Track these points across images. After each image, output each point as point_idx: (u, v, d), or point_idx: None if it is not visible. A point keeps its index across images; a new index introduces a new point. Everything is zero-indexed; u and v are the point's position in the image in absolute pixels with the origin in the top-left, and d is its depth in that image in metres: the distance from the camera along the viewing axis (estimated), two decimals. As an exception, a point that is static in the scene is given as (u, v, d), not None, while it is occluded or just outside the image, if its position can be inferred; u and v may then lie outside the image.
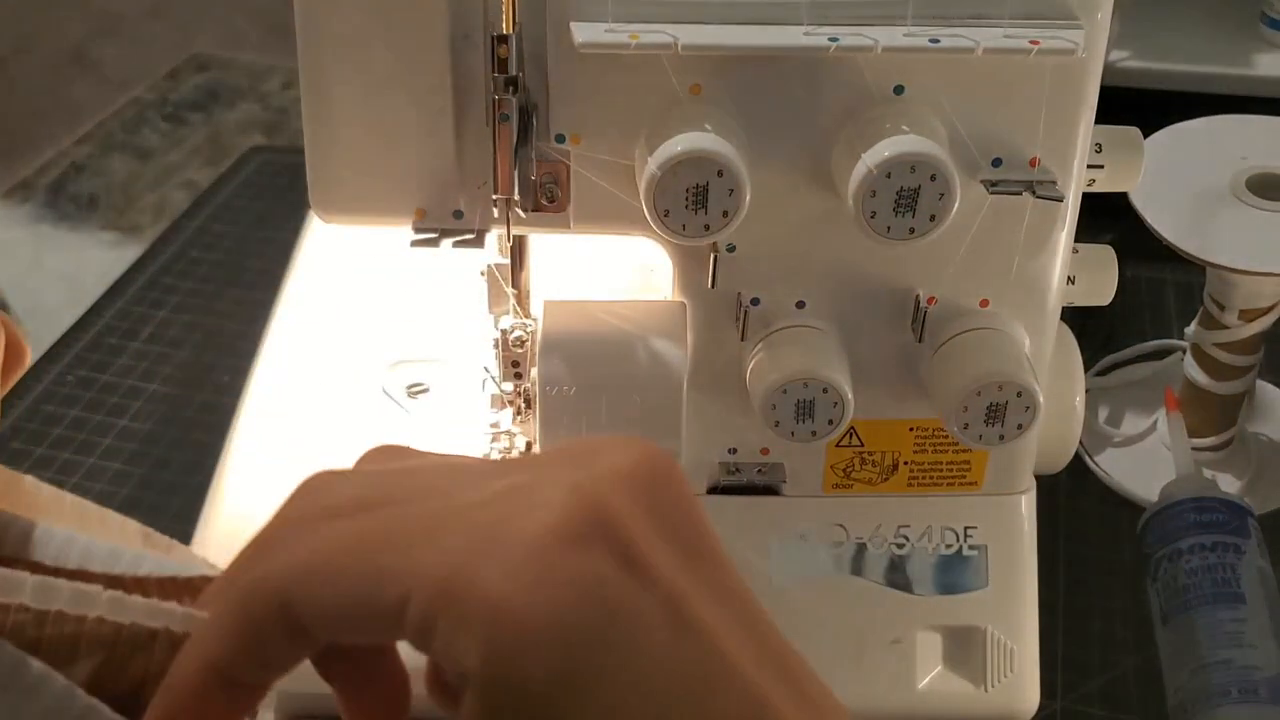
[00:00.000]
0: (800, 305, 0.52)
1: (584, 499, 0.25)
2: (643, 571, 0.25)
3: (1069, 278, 0.53)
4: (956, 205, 0.45)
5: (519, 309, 0.54)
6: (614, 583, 0.24)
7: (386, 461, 0.30)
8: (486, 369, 0.58)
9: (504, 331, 0.54)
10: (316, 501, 0.28)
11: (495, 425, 0.57)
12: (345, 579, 0.26)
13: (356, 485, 0.28)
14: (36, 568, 0.31)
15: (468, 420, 0.58)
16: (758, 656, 0.27)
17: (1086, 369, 0.59)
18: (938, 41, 0.44)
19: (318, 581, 0.26)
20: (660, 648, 0.25)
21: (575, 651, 0.24)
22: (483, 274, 0.55)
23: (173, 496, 0.73)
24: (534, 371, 0.52)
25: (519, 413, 0.56)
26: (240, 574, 0.28)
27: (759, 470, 0.56)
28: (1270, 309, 0.68)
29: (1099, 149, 0.52)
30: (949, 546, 0.57)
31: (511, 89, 0.45)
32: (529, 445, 0.55)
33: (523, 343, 0.53)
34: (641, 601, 0.25)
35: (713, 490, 0.57)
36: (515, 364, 0.54)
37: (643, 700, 0.24)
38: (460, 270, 0.58)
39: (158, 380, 0.83)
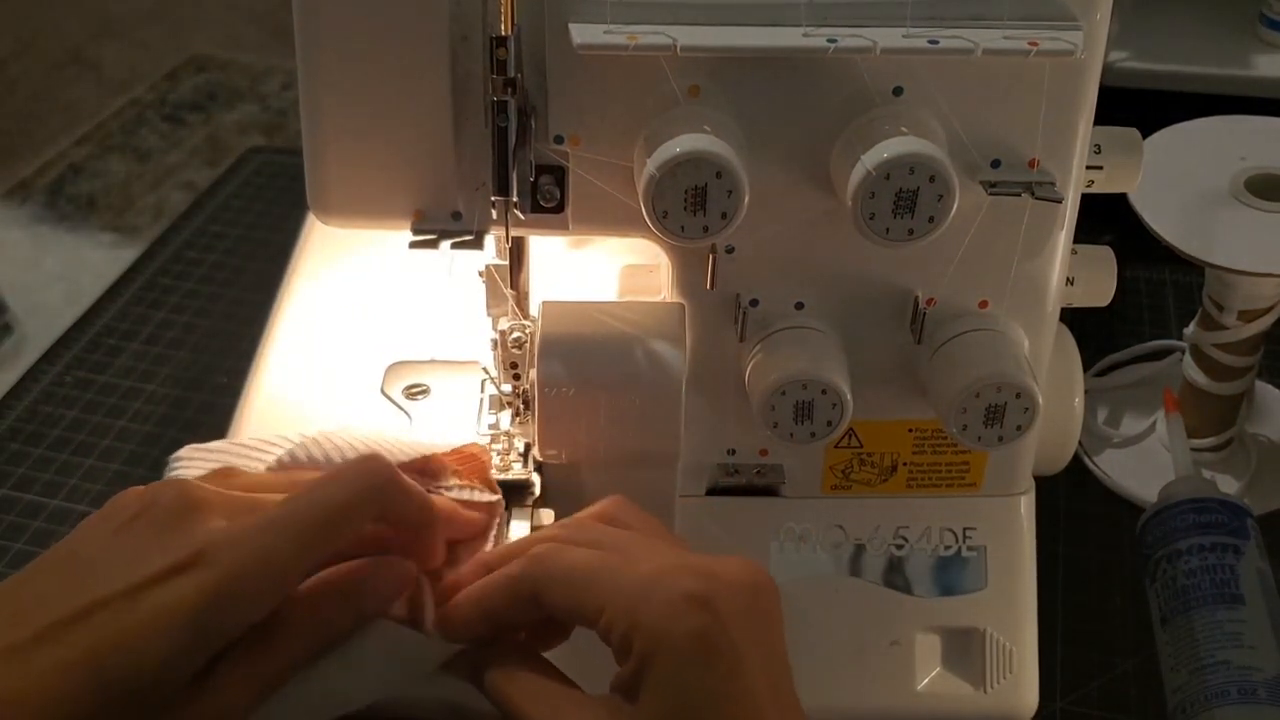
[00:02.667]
0: (799, 306, 0.52)
1: (700, 583, 0.40)
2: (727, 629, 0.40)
3: (1068, 279, 0.53)
4: (955, 206, 0.45)
5: (517, 310, 0.54)
6: (712, 629, 0.40)
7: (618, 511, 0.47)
8: (485, 370, 0.57)
9: (502, 333, 0.54)
10: (576, 536, 0.44)
11: (494, 426, 0.57)
12: (572, 591, 0.42)
13: (593, 532, 0.45)
14: None
15: (467, 421, 0.58)
16: None
17: (1085, 370, 0.59)
18: (937, 43, 0.44)
19: (558, 587, 0.42)
20: (749, 674, 0.40)
21: (687, 654, 0.39)
22: (481, 275, 0.55)
23: (172, 497, 0.73)
24: (533, 373, 0.52)
25: (518, 414, 0.56)
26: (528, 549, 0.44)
27: (758, 471, 0.56)
28: (1269, 310, 0.68)
29: (1098, 150, 0.52)
30: (948, 548, 0.57)
31: (510, 90, 0.44)
32: (528, 447, 0.55)
33: (521, 344, 0.53)
34: (722, 641, 0.40)
35: (711, 491, 0.57)
36: (514, 365, 0.54)
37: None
38: (459, 271, 0.58)
39: (156, 381, 0.83)
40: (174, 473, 0.53)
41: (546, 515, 0.53)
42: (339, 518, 0.42)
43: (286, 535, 0.41)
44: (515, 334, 0.53)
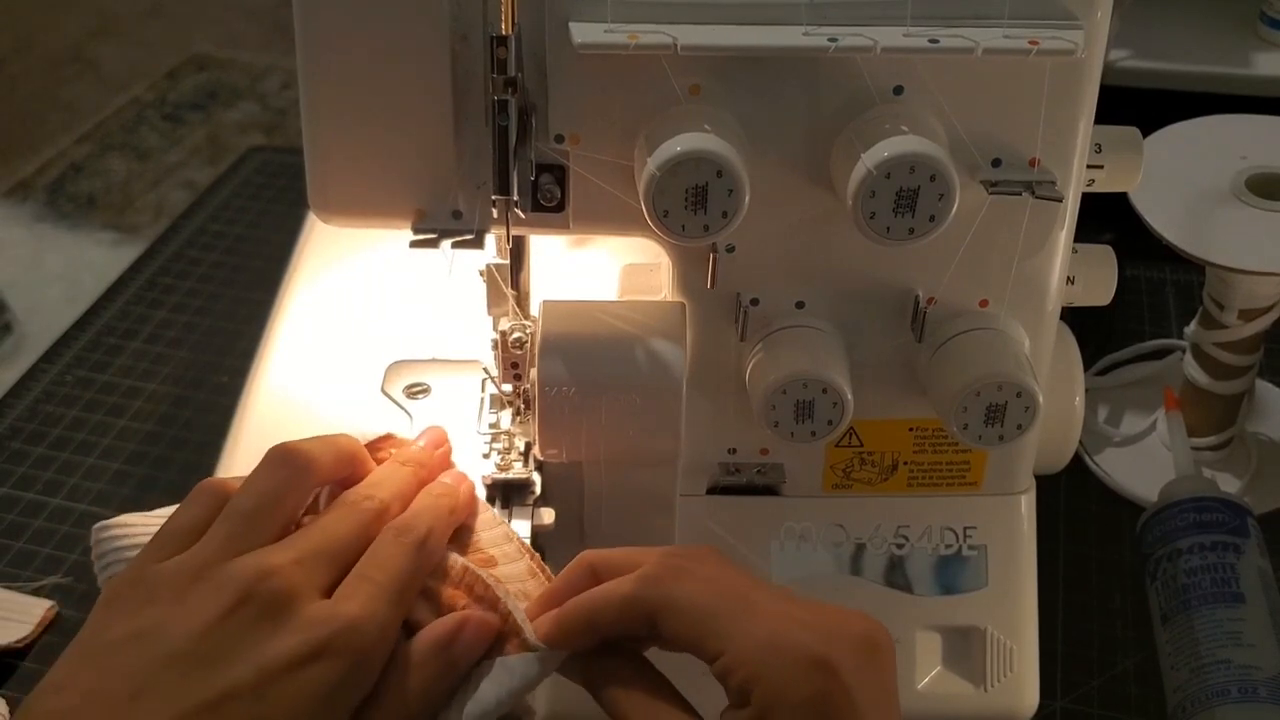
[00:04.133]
0: (800, 305, 0.52)
1: (822, 642, 0.41)
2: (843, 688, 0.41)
3: (1068, 278, 0.53)
4: (956, 206, 0.45)
5: (518, 310, 0.54)
6: (834, 693, 0.40)
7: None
8: (486, 370, 0.58)
9: (503, 333, 0.54)
10: (695, 566, 0.44)
11: (495, 426, 0.57)
12: (692, 626, 0.42)
13: (722, 568, 0.44)
14: None
15: (467, 421, 0.58)
16: None
17: (1086, 369, 0.59)
18: (937, 42, 0.44)
19: (678, 618, 0.42)
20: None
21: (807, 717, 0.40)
22: (482, 274, 0.55)
23: (172, 496, 0.72)
24: (533, 372, 0.52)
25: (518, 413, 0.56)
26: (653, 560, 0.45)
27: (758, 470, 0.56)
28: (1269, 309, 0.68)
29: (1098, 149, 0.52)
30: (948, 547, 0.57)
31: (510, 89, 0.44)
32: (528, 446, 0.55)
33: (522, 344, 0.53)
34: (843, 705, 0.40)
35: (712, 490, 0.57)
36: (514, 365, 0.54)
37: None
38: (460, 271, 0.58)
39: (157, 380, 0.83)
40: (109, 549, 0.52)
41: (547, 514, 0.53)
42: (418, 580, 0.46)
43: (389, 607, 0.44)
44: (516, 334, 0.53)
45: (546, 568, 0.49)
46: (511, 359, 0.54)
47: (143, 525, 0.51)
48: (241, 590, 0.42)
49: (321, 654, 0.41)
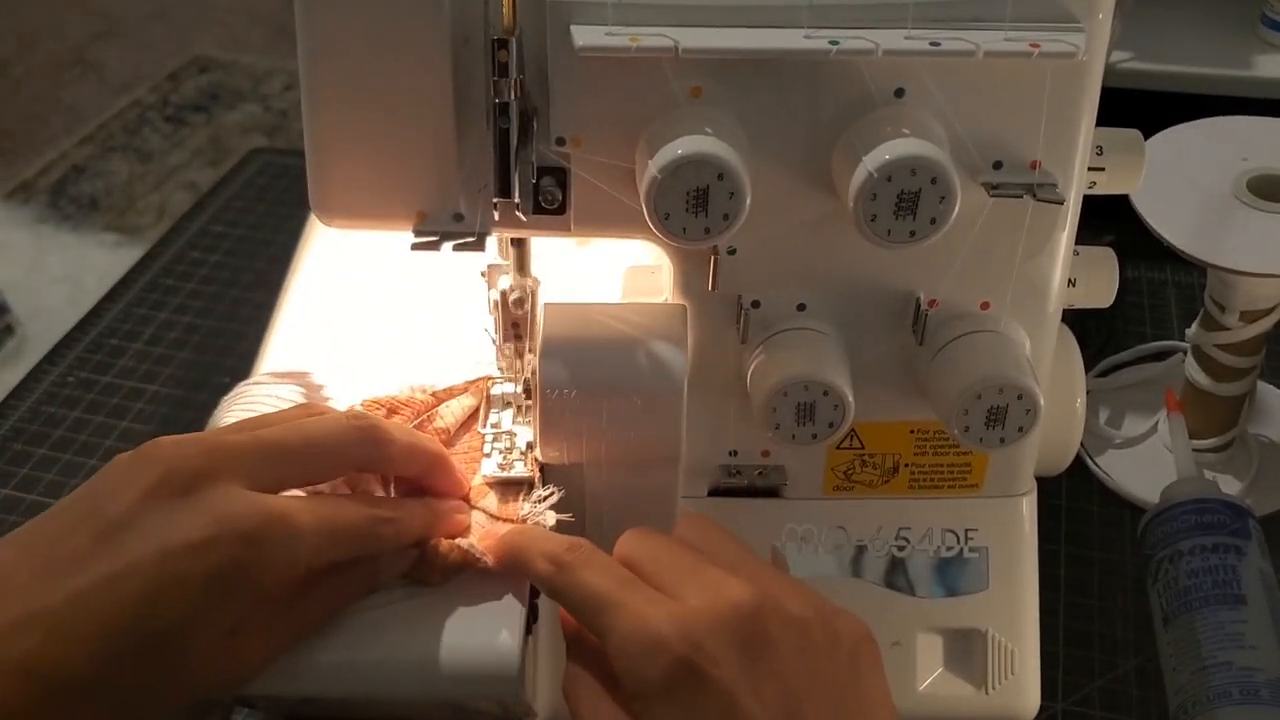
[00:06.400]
0: (801, 308, 0.52)
1: (679, 634, 0.42)
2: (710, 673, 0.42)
3: (1070, 280, 0.53)
4: (957, 208, 0.45)
5: (519, 271, 0.54)
6: (680, 674, 0.42)
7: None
8: (487, 330, 0.57)
9: (504, 293, 0.54)
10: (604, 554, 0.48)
11: (496, 425, 0.57)
12: (579, 611, 0.45)
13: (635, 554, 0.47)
14: None
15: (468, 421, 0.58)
16: None
17: (1087, 370, 0.59)
18: (938, 44, 0.44)
19: (571, 606, 0.46)
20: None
21: (664, 698, 0.42)
22: (483, 275, 0.55)
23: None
24: (533, 362, 0.52)
25: (519, 413, 0.56)
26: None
27: (759, 472, 0.56)
28: (1271, 310, 0.68)
29: (1100, 151, 0.52)
30: (949, 549, 0.57)
31: (512, 92, 0.45)
32: (530, 445, 0.55)
33: (522, 303, 0.53)
34: (698, 680, 0.42)
35: (713, 492, 0.57)
36: (515, 324, 0.54)
37: None
38: (461, 273, 0.58)
39: (159, 382, 0.83)
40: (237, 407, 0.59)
41: (549, 516, 0.53)
42: (330, 462, 0.49)
43: (315, 520, 0.47)
44: (516, 294, 0.53)
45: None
46: (512, 319, 0.54)
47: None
48: (171, 463, 0.45)
49: (213, 541, 0.44)
